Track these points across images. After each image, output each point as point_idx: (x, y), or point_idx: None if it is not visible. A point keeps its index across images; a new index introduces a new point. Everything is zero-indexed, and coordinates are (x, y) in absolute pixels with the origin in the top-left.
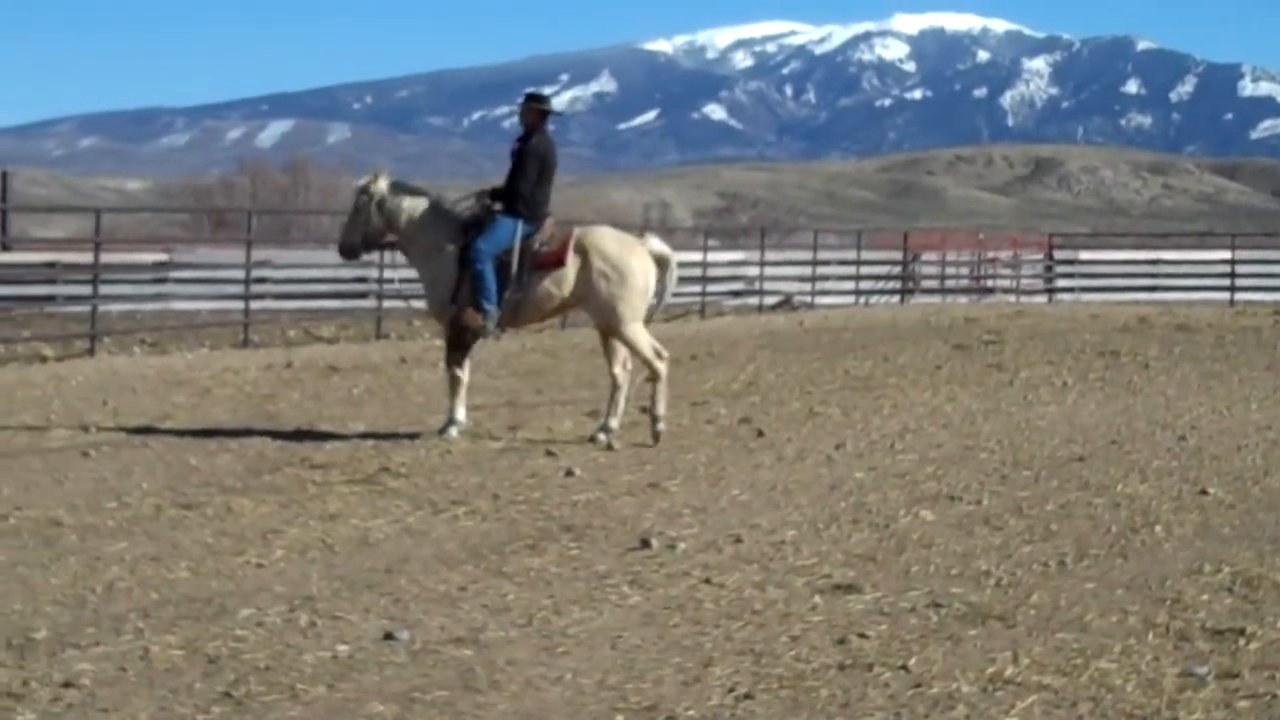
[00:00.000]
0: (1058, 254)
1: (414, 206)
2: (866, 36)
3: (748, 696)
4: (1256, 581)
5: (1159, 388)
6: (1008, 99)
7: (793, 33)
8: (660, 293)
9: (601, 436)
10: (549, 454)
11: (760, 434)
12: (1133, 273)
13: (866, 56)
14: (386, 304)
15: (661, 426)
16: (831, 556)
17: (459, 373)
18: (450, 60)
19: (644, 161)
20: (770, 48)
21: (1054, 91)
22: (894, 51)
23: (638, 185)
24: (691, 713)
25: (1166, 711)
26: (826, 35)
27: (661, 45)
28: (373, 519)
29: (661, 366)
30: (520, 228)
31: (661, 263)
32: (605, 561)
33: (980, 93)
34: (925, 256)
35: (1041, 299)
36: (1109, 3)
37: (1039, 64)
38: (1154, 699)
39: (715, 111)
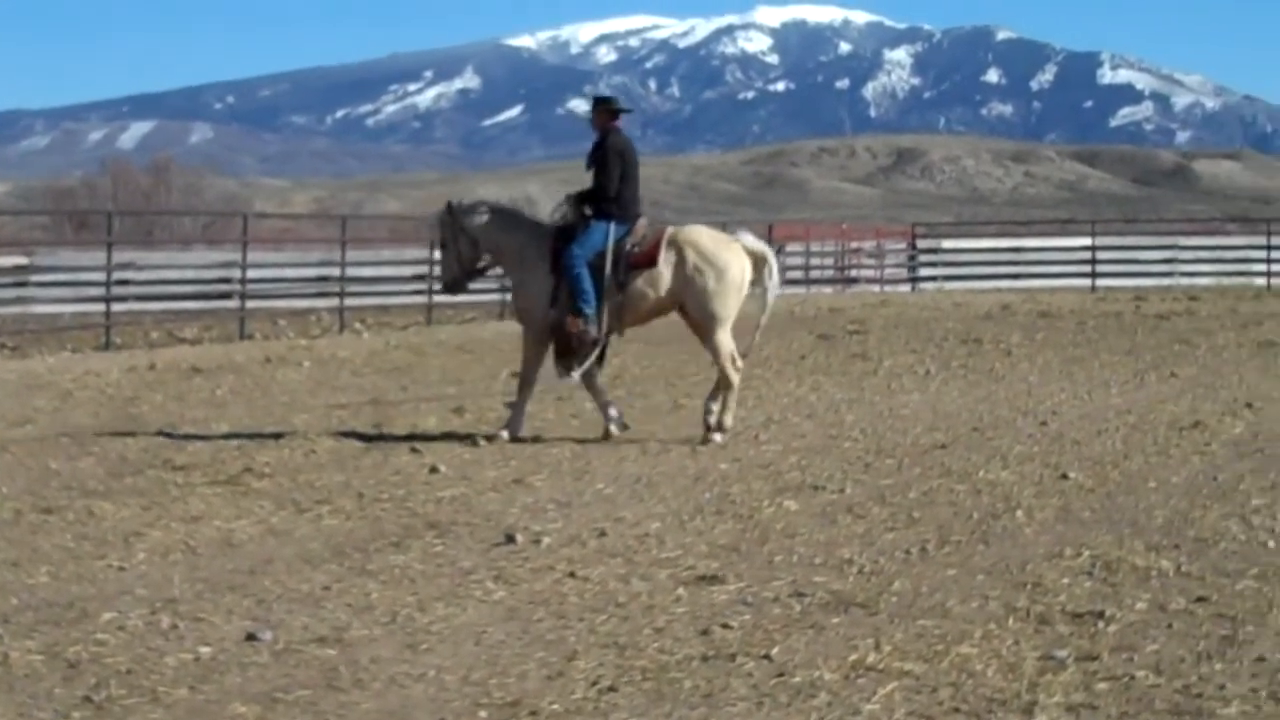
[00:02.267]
0: (921, 243)
1: (496, 222)
2: (729, 29)
3: (611, 689)
4: (1116, 565)
5: (1021, 374)
6: (870, 90)
7: (656, 26)
8: (764, 290)
9: (717, 437)
10: (414, 451)
11: (625, 427)
12: (995, 261)
13: (729, 49)
14: (250, 304)
15: (718, 438)
16: (695, 548)
17: (534, 381)
18: (312, 59)
19: (509, 157)
20: (634, 42)
21: (915, 82)
22: (757, 44)
23: (504, 181)
24: (555, 707)
25: (1026, 695)
26: (690, 29)
27: (525, 41)
28: (236, 520)
29: (735, 377)
30: (613, 230)
31: (759, 259)
32: (470, 558)
33: (843, 84)
34: (790, 248)
35: (905, 288)
36: None
37: (900, 55)
38: (1014, 683)
39: (580, 106)
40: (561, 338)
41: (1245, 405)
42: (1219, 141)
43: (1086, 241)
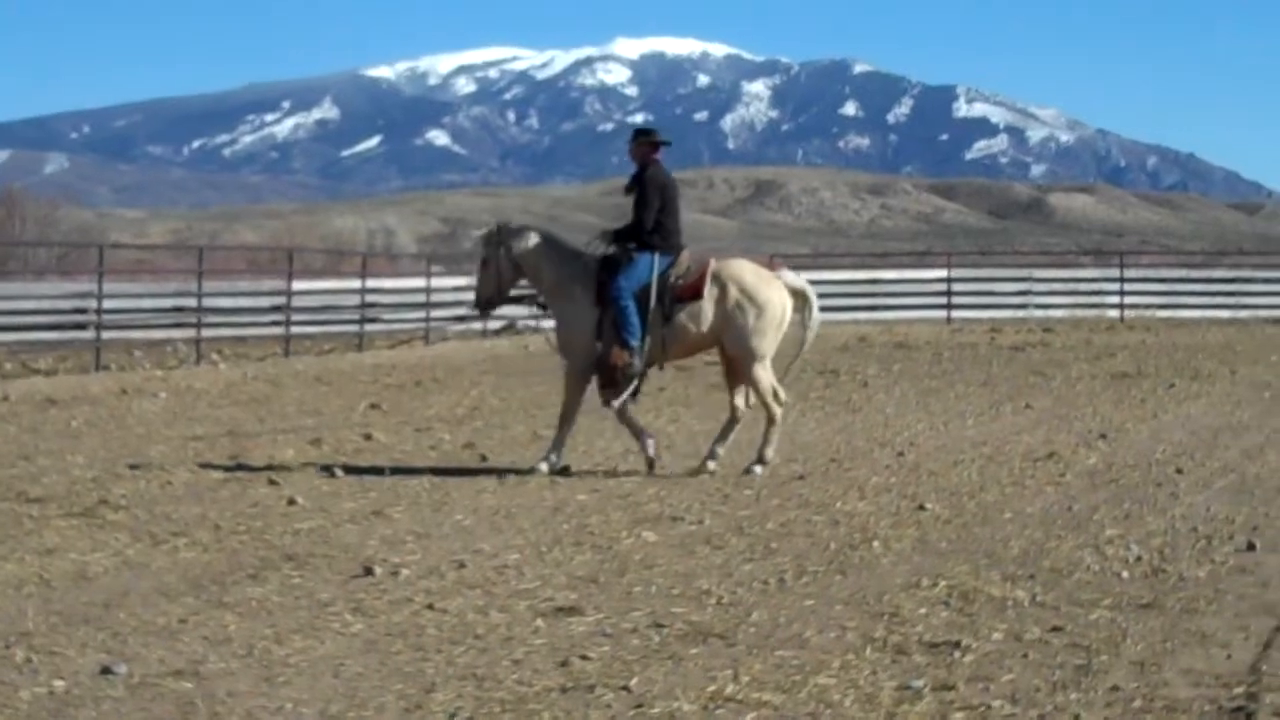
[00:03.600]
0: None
1: (542, 249)
2: (588, 61)
3: None
4: (972, 595)
5: (878, 405)
6: (728, 122)
7: (515, 58)
8: (806, 327)
9: (711, 465)
10: (271, 483)
11: (484, 459)
12: (852, 292)
13: (589, 81)
14: (105, 335)
15: (759, 469)
16: (554, 579)
17: (576, 414)
18: (169, 89)
19: (367, 188)
20: (493, 73)
21: (774, 114)
22: (616, 76)
23: (361, 212)
24: None
25: None
26: (548, 60)
27: (384, 71)
28: (91, 552)
29: (778, 411)
30: (657, 261)
31: (800, 297)
32: (328, 590)
33: (701, 116)
34: None
35: None
36: (826, 26)
37: (758, 87)
38: (871, 713)
39: (438, 137)
40: (605, 370)
41: (1099, 436)
42: (1073, 175)
43: (942, 274)
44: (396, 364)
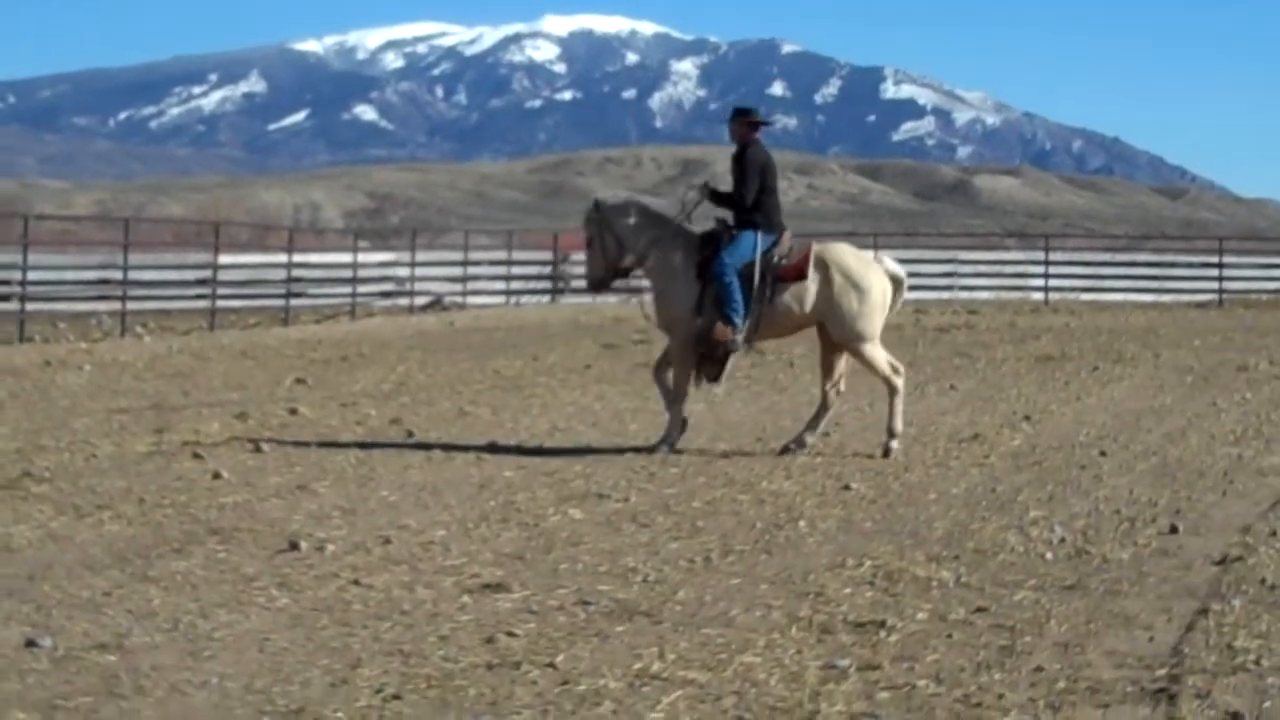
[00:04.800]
0: None
1: (643, 225)
2: (517, 38)
3: (396, 697)
4: (897, 575)
5: (804, 386)
6: (656, 100)
7: (443, 34)
8: (891, 309)
9: (795, 447)
10: (196, 457)
11: (410, 434)
12: None
13: (517, 58)
14: (29, 306)
15: (895, 444)
16: (480, 556)
17: (689, 386)
18: (95, 59)
19: (294, 162)
20: (421, 49)
21: (702, 93)
22: (544, 53)
23: (288, 186)
24: (339, 714)
25: (809, 704)
26: (477, 36)
27: (311, 45)
28: (15, 525)
29: (899, 381)
30: (760, 240)
31: (897, 283)
32: (253, 564)
33: (629, 94)
34: (575, 256)
35: None
36: (755, 6)
37: (687, 66)
38: (796, 691)
39: (366, 112)
40: (707, 346)
41: (1024, 418)
42: (999, 157)
43: (868, 254)
44: (323, 339)
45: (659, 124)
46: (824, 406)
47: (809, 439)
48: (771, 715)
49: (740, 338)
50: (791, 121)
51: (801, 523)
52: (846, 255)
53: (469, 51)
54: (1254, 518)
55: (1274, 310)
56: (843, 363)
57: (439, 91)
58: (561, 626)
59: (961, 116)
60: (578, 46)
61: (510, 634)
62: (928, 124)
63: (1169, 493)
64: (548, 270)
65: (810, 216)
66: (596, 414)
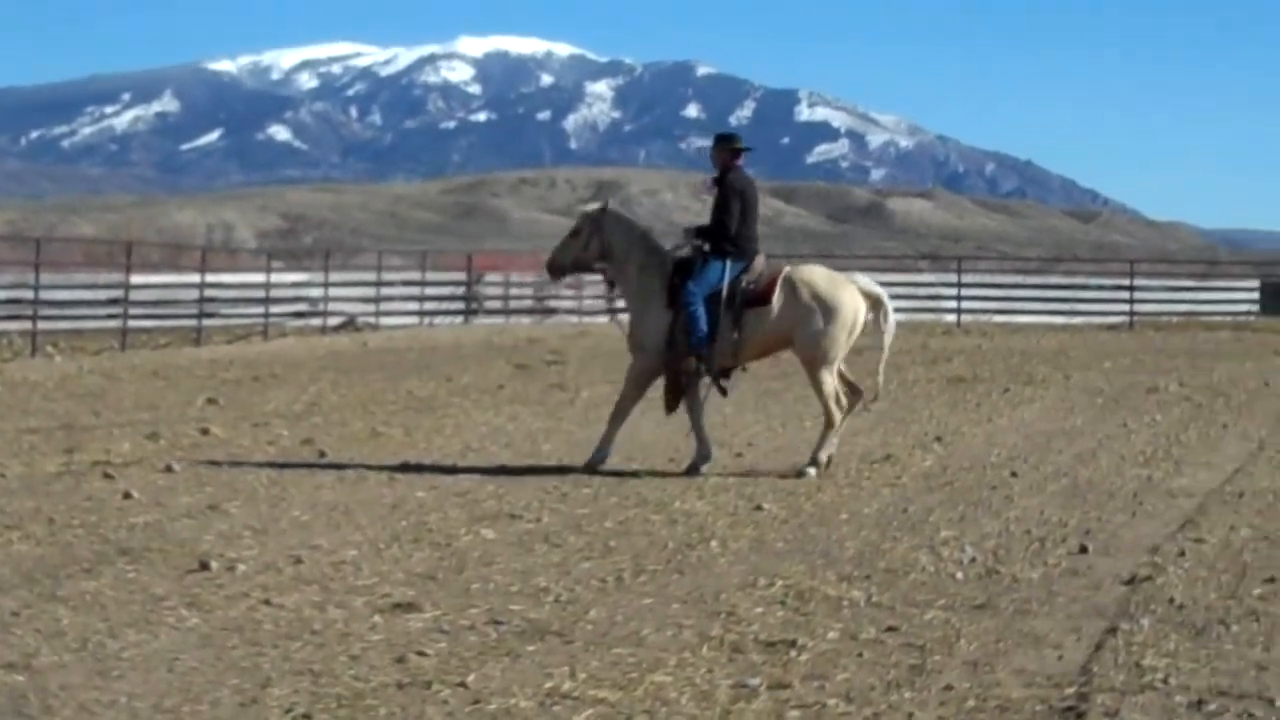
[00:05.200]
0: None
1: (633, 242)
2: (432, 59)
3: (306, 717)
4: (808, 594)
5: (717, 406)
6: (571, 122)
7: (358, 54)
8: (883, 331)
9: (810, 471)
10: (107, 477)
11: (322, 454)
12: None
13: (432, 79)
14: None
15: (812, 472)
16: (392, 576)
17: (629, 412)
18: (6, 78)
19: (207, 182)
20: (335, 69)
21: (616, 115)
22: (459, 74)
23: (201, 207)
24: None
25: None
26: (392, 57)
27: (225, 65)
28: None
29: (838, 417)
30: (729, 267)
31: (874, 302)
32: (163, 584)
33: (544, 116)
34: (489, 278)
35: (603, 319)
36: (670, 28)
37: (601, 88)
38: (707, 710)
39: (280, 132)
40: (672, 375)
41: (935, 439)
42: (912, 180)
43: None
44: (235, 359)
45: (574, 145)
46: (853, 394)
47: (822, 457)
48: None
49: (705, 366)
50: (706, 143)
51: (714, 543)
52: (816, 275)
53: (384, 72)
54: (1163, 538)
55: (1184, 332)
56: (841, 369)
57: (353, 112)
58: (473, 646)
59: (875, 139)
60: (493, 68)
61: (421, 653)
62: (842, 146)
63: (1079, 513)
64: (461, 291)
65: None
66: (509, 434)
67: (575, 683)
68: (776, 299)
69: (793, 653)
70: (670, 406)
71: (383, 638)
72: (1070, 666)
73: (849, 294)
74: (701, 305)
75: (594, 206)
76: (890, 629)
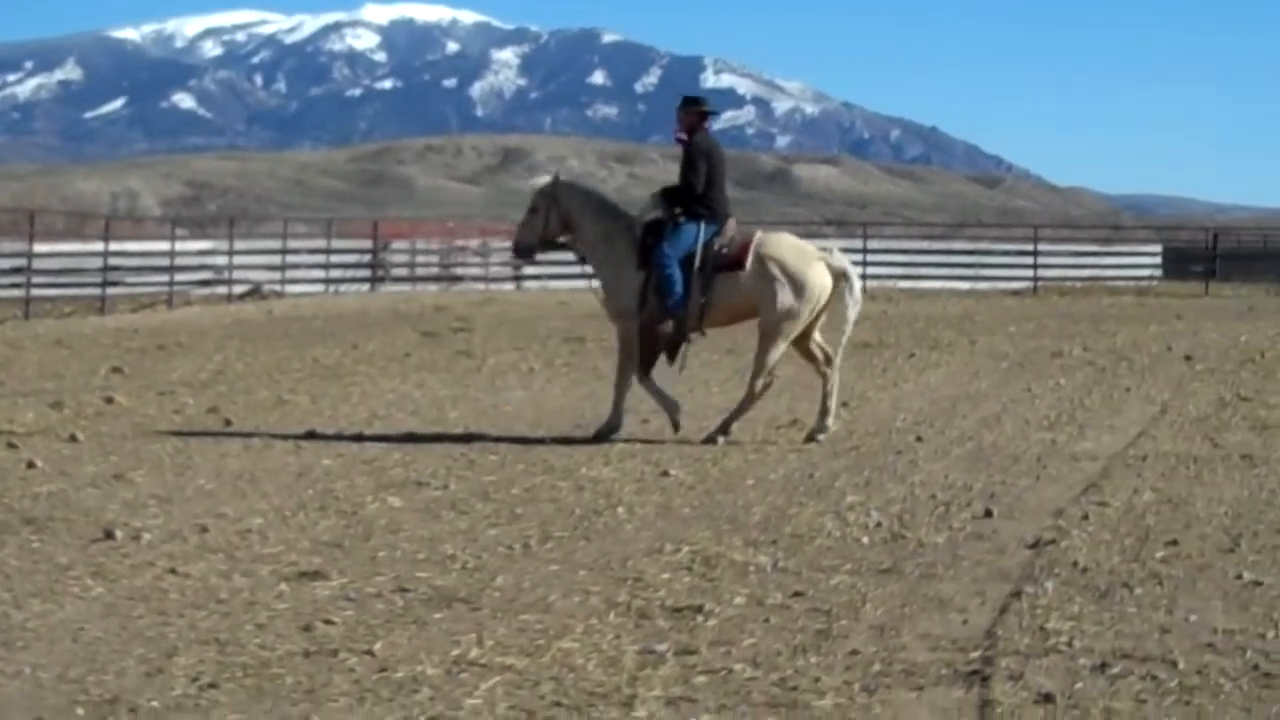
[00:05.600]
0: None
1: (591, 208)
2: (337, 26)
3: (212, 686)
4: (715, 560)
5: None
6: (477, 90)
7: (262, 22)
8: (844, 310)
9: (820, 437)
10: (10, 446)
11: (228, 423)
12: None
13: (337, 46)
14: None
15: (722, 440)
16: (298, 544)
17: (632, 377)
18: None
19: (111, 150)
20: (240, 36)
21: (522, 83)
22: (364, 42)
23: (105, 175)
24: (154, 704)
25: (626, 688)
26: (297, 25)
27: (129, 33)
28: None
29: (760, 392)
30: (703, 230)
31: (842, 278)
32: (67, 554)
33: (450, 83)
34: (395, 245)
35: (510, 287)
36: None
37: (507, 55)
38: (614, 676)
39: (184, 100)
40: (647, 338)
41: (841, 404)
42: (818, 147)
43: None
44: (139, 328)
45: (480, 113)
46: (826, 382)
47: (829, 424)
48: (589, 700)
49: (679, 329)
50: (612, 111)
51: (620, 509)
52: (785, 249)
53: (288, 40)
54: (1067, 501)
55: (1087, 297)
56: (816, 338)
57: (258, 80)
58: (379, 614)
59: (781, 106)
60: (398, 35)
61: (328, 622)
62: (747, 113)
63: (984, 477)
64: (367, 259)
65: (631, 205)
66: (416, 402)
67: (482, 650)
68: (748, 268)
69: (699, 618)
70: (646, 368)
71: (289, 606)
72: (975, 630)
73: (816, 270)
74: (676, 267)
75: (545, 181)
76: (796, 594)
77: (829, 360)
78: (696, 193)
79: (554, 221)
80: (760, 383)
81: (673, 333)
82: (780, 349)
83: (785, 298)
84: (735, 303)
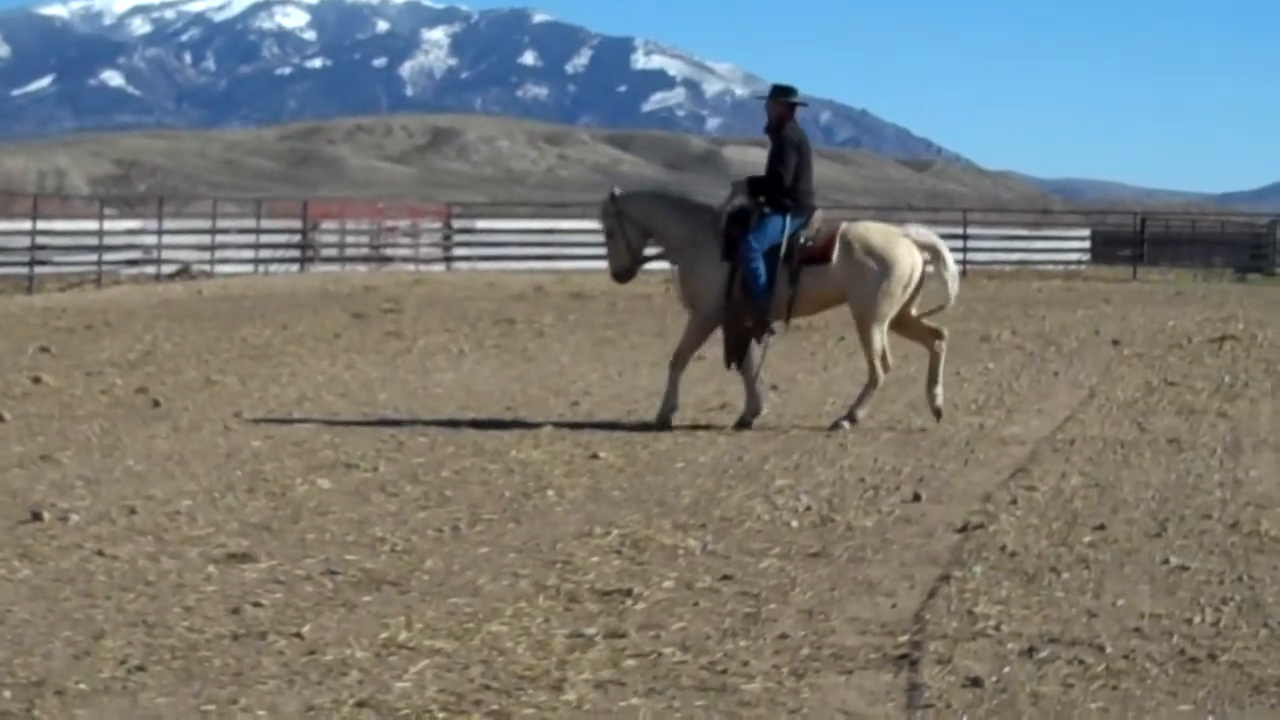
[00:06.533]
0: (456, 223)
1: (668, 212)
2: (266, 5)
3: (140, 668)
4: (644, 543)
5: (553, 354)
6: (407, 69)
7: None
8: (945, 280)
9: (847, 425)
10: None
11: (156, 404)
12: (529, 241)
13: (266, 25)
14: None
15: (847, 426)
16: (227, 526)
17: (688, 364)
18: None
19: (39, 129)
20: (169, 14)
21: (453, 62)
22: (294, 20)
23: (32, 153)
24: (82, 686)
25: (556, 672)
26: (226, 3)
27: (57, 10)
28: None
29: (882, 376)
30: (788, 223)
31: (931, 251)
32: None
33: (380, 63)
34: (325, 225)
35: (440, 267)
36: None
37: (438, 35)
38: (544, 660)
39: (113, 78)
40: (733, 329)
41: (771, 388)
42: (747, 128)
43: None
44: (67, 307)
45: (410, 92)
46: (935, 356)
47: (860, 414)
48: (518, 684)
49: (764, 320)
50: (542, 91)
51: (550, 491)
52: (871, 232)
53: (218, 18)
54: (995, 486)
55: (1016, 281)
56: (913, 321)
57: (187, 58)
58: (308, 596)
59: (711, 88)
60: (328, 14)
61: (256, 604)
62: (678, 95)
63: (913, 461)
64: (297, 239)
65: (561, 186)
66: (345, 383)
67: (411, 633)
68: (835, 257)
69: (629, 602)
70: (731, 359)
71: (217, 588)
72: (904, 614)
73: (904, 249)
74: (761, 260)
75: (604, 201)
76: (726, 577)
77: (938, 335)
78: (785, 185)
79: (634, 237)
80: (878, 366)
81: (754, 325)
82: (881, 330)
83: (874, 280)
84: (824, 292)
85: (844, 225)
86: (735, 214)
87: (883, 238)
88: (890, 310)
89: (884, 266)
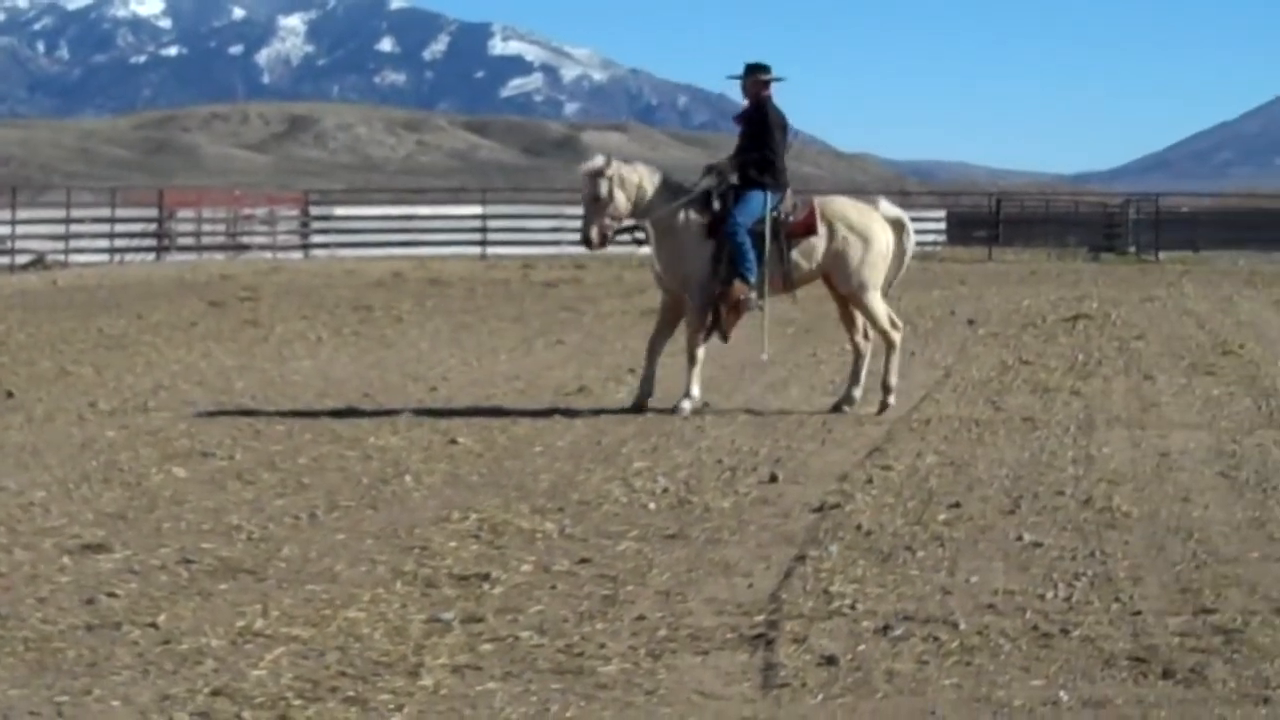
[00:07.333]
0: (313, 210)
1: (654, 183)
2: None
3: None
4: (502, 528)
5: (412, 341)
6: (264, 56)
7: None
8: (901, 256)
9: (846, 408)
10: None
11: (10, 395)
12: (387, 228)
13: (120, 13)
14: None
15: (892, 399)
16: (81, 516)
17: (701, 348)
18: None
19: None
20: (21, 3)
21: (310, 49)
22: (149, 8)
23: None
24: None
25: (413, 657)
26: None
27: None
28: None
29: (897, 336)
30: (769, 198)
31: (898, 227)
32: None
33: (236, 50)
34: (181, 214)
35: (297, 255)
36: None
37: (295, 22)
38: (400, 645)
39: None
40: (728, 305)
41: (629, 371)
42: (606, 113)
43: (477, 210)
44: None
45: (267, 80)
46: (858, 356)
47: (856, 393)
48: (375, 670)
49: (754, 295)
50: (400, 78)
51: (407, 477)
52: (848, 208)
53: (71, 6)
54: (851, 466)
55: None
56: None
57: (40, 47)
58: (164, 586)
59: (569, 73)
60: (183, 1)
61: (111, 594)
62: (535, 80)
63: (770, 442)
64: (153, 228)
65: (419, 172)
66: (202, 372)
67: (268, 621)
68: (820, 232)
69: (486, 586)
70: (721, 337)
71: (72, 579)
72: (760, 594)
73: (879, 224)
74: (748, 236)
75: (596, 165)
76: (583, 560)
77: (866, 333)
78: (774, 161)
79: (622, 202)
80: (889, 330)
81: (750, 301)
82: (876, 296)
83: (858, 253)
84: (805, 268)
85: (818, 200)
86: (709, 192)
87: (859, 214)
88: (878, 278)
89: (865, 242)
